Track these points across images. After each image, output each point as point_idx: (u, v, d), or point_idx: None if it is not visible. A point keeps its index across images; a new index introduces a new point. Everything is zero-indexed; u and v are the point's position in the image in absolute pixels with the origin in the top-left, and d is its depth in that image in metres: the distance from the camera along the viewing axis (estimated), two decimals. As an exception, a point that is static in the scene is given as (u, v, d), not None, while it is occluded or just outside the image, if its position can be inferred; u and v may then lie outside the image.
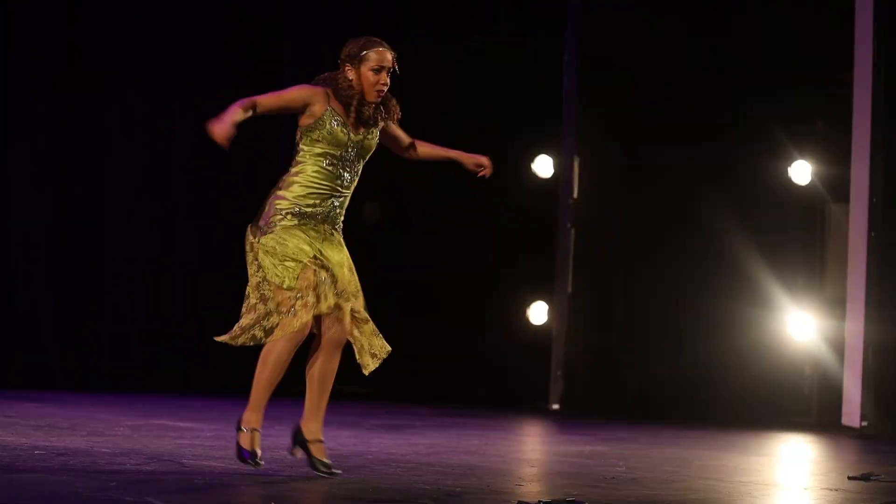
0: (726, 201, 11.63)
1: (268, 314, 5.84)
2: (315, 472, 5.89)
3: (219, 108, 12.69)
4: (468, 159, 6.43)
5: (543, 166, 12.65)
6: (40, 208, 11.43)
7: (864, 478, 6.78)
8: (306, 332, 5.81)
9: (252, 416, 5.85)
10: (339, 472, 5.93)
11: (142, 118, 11.94)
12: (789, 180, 11.90)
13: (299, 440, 5.95)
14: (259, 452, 5.83)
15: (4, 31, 11.27)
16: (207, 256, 12.03)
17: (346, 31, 12.47)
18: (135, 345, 11.79)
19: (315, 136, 5.94)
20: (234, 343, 5.89)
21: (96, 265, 11.74)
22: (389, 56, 6.05)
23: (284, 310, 5.78)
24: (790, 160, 11.85)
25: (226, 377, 11.76)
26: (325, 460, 5.92)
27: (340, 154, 5.96)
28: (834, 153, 11.60)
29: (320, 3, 12.86)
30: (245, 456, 5.81)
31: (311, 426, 5.95)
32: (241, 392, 10.75)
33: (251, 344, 5.91)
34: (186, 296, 12.08)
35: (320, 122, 5.93)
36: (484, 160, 6.39)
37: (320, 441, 5.95)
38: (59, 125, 11.50)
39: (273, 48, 12.62)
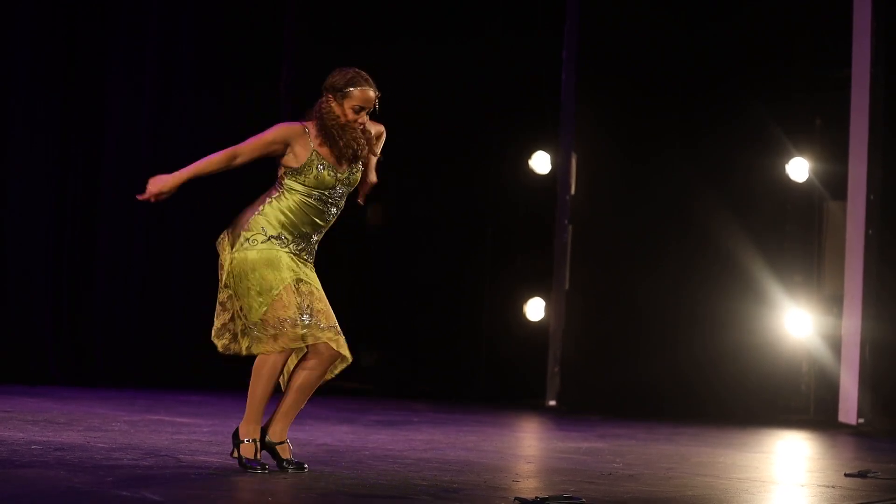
0: (724, 198, 11.63)
1: (244, 330, 5.85)
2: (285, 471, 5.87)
3: (217, 109, 12.69)
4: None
5: (541, 163, 12.64)
6: (38, 205, 11.42)
7: (861, 475, 6.78)
8: (291, 346, 5.82)
9: (250, 427, 5.88)
10: (307, 466, 5.92)
11: (141, 118, 11.93)
12: (787, 177, 11.90)
13: (266, 445, 5.94)
14: (261, 459, 5.85)
15: (4, 30, 11.25)
16: (204, 253, 12.01)
17: (347, 31, 12.55)
18: (132, 340, 11.79)
19: (301, 180, 5.86)
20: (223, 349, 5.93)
21: (94, 260, 11.73)
22: (372, 95, 5.88)
23: (271, 330, 5.78)
24: (788, 157, 11.86)
25: (223, 373, 11.79)
26: (292, 459, 5.93)
27: (329, 193, 5.90)
28: (832, 151, 11.62)
29: (320, 2, 12.85)
30: (252, 465, 5.83)
31: (278, 428, 5.94)
32: (238, 388, 10.78)
33: (231, 352, 5.94)
34: (184, 291, 12.07)
35: (307, 167, 5.83)
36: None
37: (285, 441, 5.95)
38: (57, 125, 11.48)
39: (273, 48, 12.61)
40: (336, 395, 10.69)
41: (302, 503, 5.18)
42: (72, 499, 4.76)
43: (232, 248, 5.92)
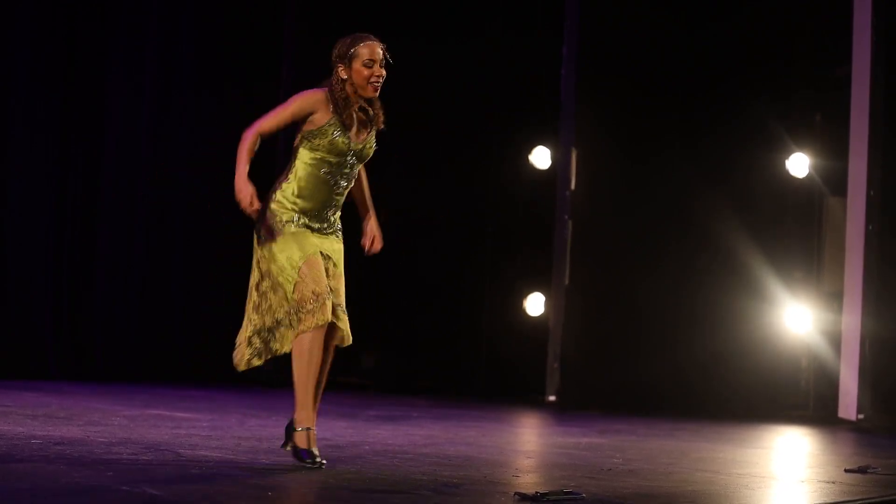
0: (724, 194, 11.63)
1: (274, 326, 5.83)
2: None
3: (217, 109, 12.62)
4: (368, 229, 6.24)
5: (541, 158, 12.65)
6: (38, 205, 11.42)
7: (861, 471, 6.79)
8: (328, 319, 5.78)
9: (303, 414, 5.79)
10: (325, 462, 5.89)
11: (141, 118, 11.93)
12: (787, 173, 11.91)
13: (291, 434, 5.91)
14: (317, 451, 5.79)
15: (4, 30, 11.25)
16: (204, 253, 12.04)
17: (347, 31, 12.56)
18: (132, 340, 11.79)
19: (315, 144, 5.90)
20: (242, 367, 5.90)
21: (94, 260, 11.74)
22: (379, 49, 6.00)
23: (308, 305, 5.75)
24: (788, 153, 11.86)
25: (223, 368, 11.79)
26: (313, 450, 5.88)
27: (339, 162, 5.93)
28: (832, 146, 11.62)
29: (320, 2, 12.85)
30: (304, 456, 5.78)
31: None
32: (238, 383, 10.80)
33: (258, 363, 5.91)
34: (184, 291, 12.08)
35: (322, 132, 5.89)
36: (376, 240, 6.21)
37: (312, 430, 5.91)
38: (57, 125, 11.48)
39: (273, 48, 12.61)
40: (335, 390, 10.69)
41: (302, 498, 5.18)
42: (72, 493, 4.76)
43: (258, 243, 5.90)
